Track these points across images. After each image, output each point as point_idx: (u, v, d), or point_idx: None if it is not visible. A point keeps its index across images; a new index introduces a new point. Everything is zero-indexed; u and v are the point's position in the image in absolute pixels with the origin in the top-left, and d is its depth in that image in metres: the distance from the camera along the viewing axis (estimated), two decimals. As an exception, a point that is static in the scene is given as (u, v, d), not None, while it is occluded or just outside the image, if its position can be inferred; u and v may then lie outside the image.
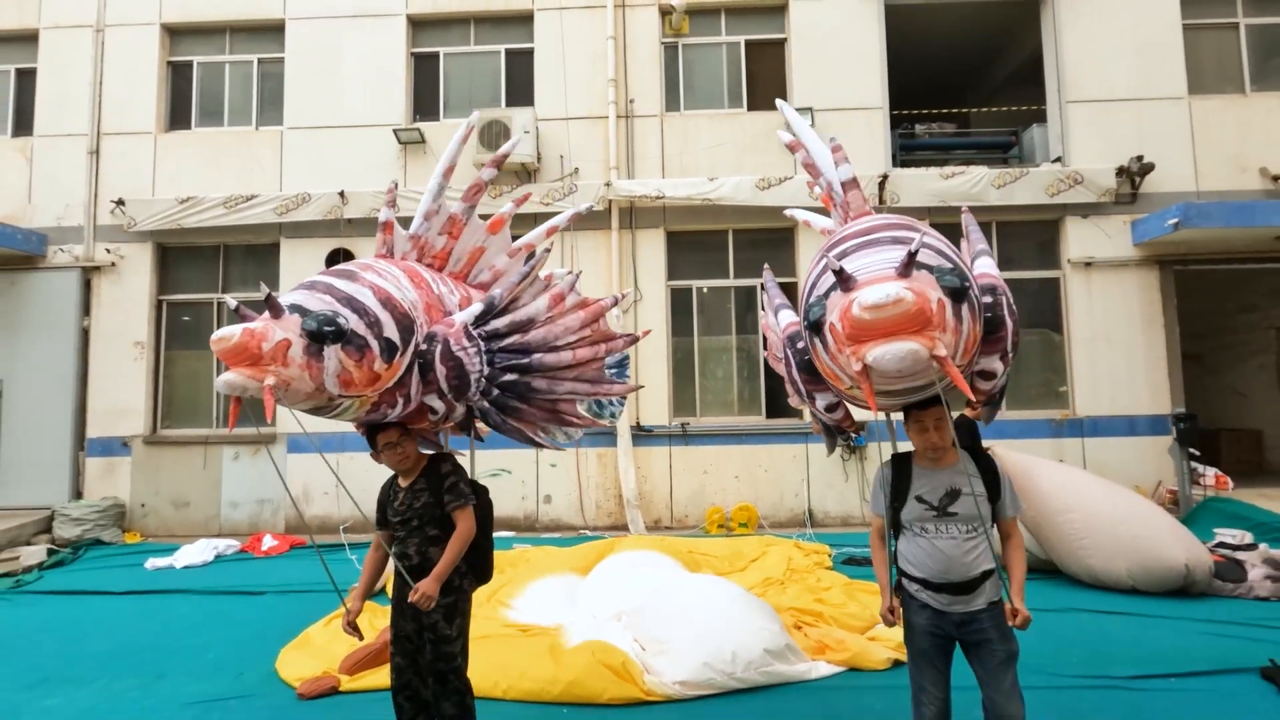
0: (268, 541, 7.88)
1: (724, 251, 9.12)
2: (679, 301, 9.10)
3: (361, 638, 2.99)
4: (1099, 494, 5.86)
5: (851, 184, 2.70)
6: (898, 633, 4.21)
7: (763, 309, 3.44)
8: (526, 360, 2.83)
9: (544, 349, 2.87)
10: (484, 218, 3.32)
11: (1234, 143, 8.92)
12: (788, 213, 4.16)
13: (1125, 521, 5.38)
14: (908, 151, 9.78)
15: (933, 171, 8.85)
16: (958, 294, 2.06)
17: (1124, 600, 5.08)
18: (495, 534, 8.64)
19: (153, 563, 7.11)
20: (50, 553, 7.63)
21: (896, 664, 3.94)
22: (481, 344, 2.72)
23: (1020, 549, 2.56)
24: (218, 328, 9.51)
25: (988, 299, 2.34)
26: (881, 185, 8.65)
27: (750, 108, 9.32)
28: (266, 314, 2.30)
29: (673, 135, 9.20)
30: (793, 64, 9.22)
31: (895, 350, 1.92)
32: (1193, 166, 8.91)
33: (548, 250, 3.18)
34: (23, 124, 9.63)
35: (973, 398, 2.41)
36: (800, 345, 2.61)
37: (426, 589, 2.63)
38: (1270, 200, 8.47)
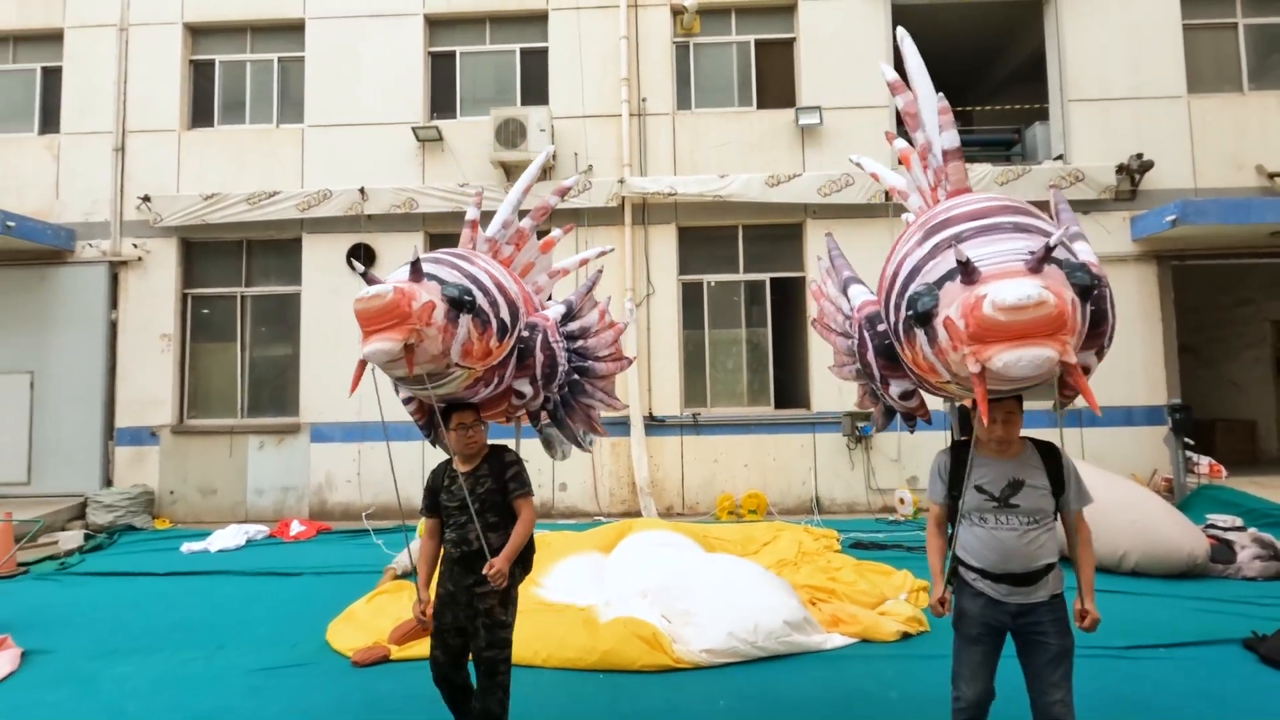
0: (295, 527, 8.17)
1: (734, 247, 9.38)
2: (690, 295, 9.37)
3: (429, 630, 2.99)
4: (1099, 483, 6.14)
5: (955, 153, 2.52)
6: (907, 608, 4.55)
7: (819, 280, 3.40)
8: (587, 364, 3.14)
9: (594, 357, 3.19)
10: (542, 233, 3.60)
11: (1231, 141, 9.15)
12: (853, 158, 3.79)
13: (1125, 509, 5.67)
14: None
15: (938, 169, 9.08)
16: (1085, 292, 1.92)
17: (1120, 580, 5.39)
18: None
19: (188, 547, 7.41)
20: (87, 538, 7.93)
21: (905, 636, 4.24)
22: (564, 341, 3.01)
23: (1088, 545, 2.52)
24: (241, 321, 9.74)
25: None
26: (888, 182, 8.89)
27: (760, 106, 9.55)
28: (409, 277, 2.41)
29: (684, 133, 9.43)
30: (801, 63, 9.44)
31: (1031, 357, 1.76)
32: (1191, 164, 9.14)
33: (600, 271, 3.62)
34: (49, 122, 9.86)
35: (1096, 409, 2.11)
36: (881, 328, 2.42)
37: (501, 565, 2.73)
38: (1265, 198, 8.72)
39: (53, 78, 9.91)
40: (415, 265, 2.41)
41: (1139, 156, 8.97)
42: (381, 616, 4.59)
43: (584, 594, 4.87)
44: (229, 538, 7.64)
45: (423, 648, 4.09)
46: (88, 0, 9.80)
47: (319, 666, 4.02)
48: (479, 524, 2.80)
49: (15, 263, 9.34)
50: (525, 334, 2.80)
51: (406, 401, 3.05)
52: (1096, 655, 3.96)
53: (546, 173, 9.30)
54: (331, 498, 9.00)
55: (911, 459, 8.89)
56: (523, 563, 3.03)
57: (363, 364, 2.40)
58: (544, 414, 3.23)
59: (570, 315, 3.09)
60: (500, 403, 2.92)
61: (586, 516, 8.82)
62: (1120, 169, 9.00)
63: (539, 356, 2.80)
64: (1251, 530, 5.95)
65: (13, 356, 9.32)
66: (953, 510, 2.55)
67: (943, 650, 3.59)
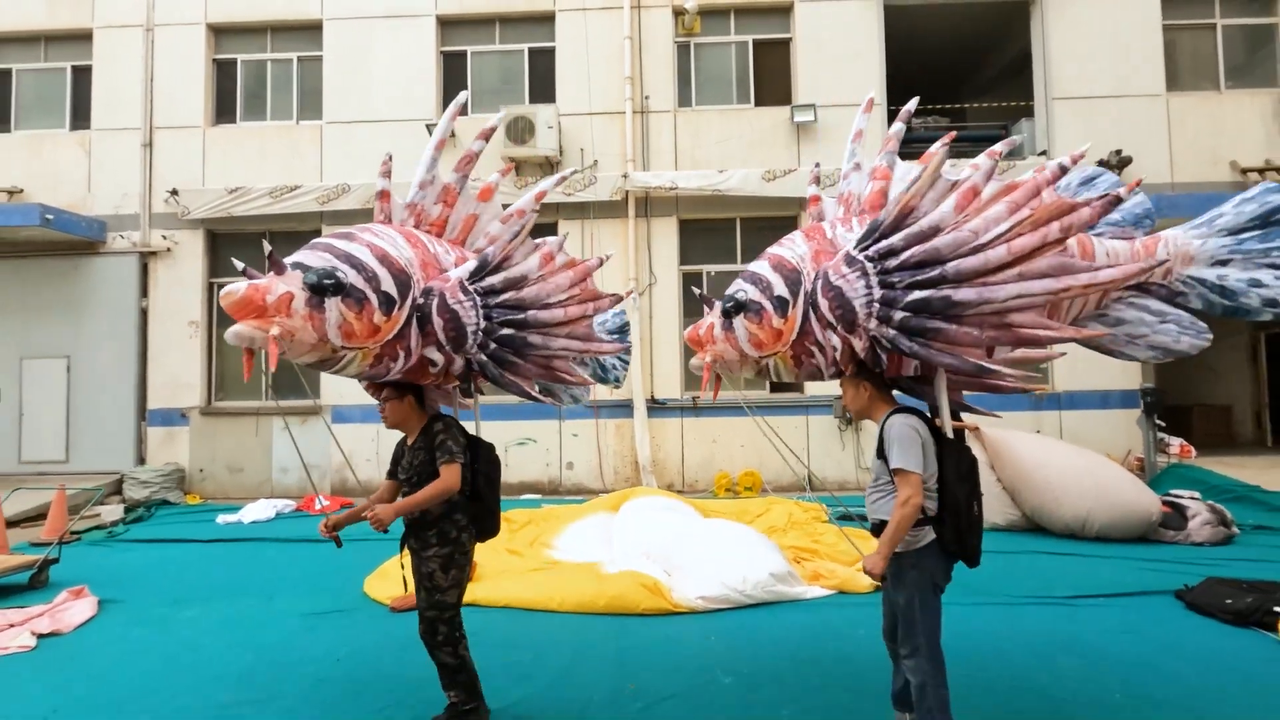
0: (320, 502, 8.74)
1: (732, 238, 9.86)
2: (691, 284, 9.87)
3: (340, 543, 3.14)
4: (1069, 451, 6.81)
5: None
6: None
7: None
8: (522, 316, 2.91)
9: (538, 306, 2.96)
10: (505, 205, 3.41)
11: (1208, 137, 9.60)
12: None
13: (1091, 472, 6.26)
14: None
15: (926, 164, 9.56)
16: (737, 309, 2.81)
17: (1076, 544, 5.93)
18: (523, 496, 9.44)
19: (223, 518, 7.99)
20: (126, 511, 8.50)
21: (878, 589, 4.78)
22: (477, 299, 2.83)
23: (898, 506, 2.50)
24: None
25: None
26: (878, 177, 9.37)
27: (757, 104, 10.00)
28: (271, 271, 2.44)
29: (685, 130, 9.89)
30: (797, 62, 9.88)
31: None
32: (1169, 159, 9.60)
33: (535, 211, 3.19)
34: (80, 118, 10.35)
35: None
36: None
37: (380, 512, 2.77)
38: (1236, 192, 9.15)
39: (82, 76, 10.38)
40: (271, 258, 2.45)
41: (1118, 152, 9.42)
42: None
43: (592, 554, 5.42)
44: (259, 510, 8.22)
45: (452, 596, 4.65)
46: (115, 2, 10.25)
47: (362, 612, 4.59)
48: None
49: (51, 253, 9.87)
50: (421, 300, 2.72)
51: (363, 384, 3.13)
52: (1043, 604, 4.51)
53: (554, 167, 9.79)
54: (352, 476, 9.56)
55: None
56: (479, 525, 3.10)
57: (249, 352, 2.43)
58: (477, 376, 3.14)
59: (486, 269, 2.85)
60: (421, 374, 2.94)
61: (592, 493, 9.37)
62: (1100, 164, 9.44)
63: (437, 321, 2.73)
64: (1207, 502, 6.49)
65: (51, 342, 9.87)
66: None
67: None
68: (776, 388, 9.78)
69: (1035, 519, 6.47)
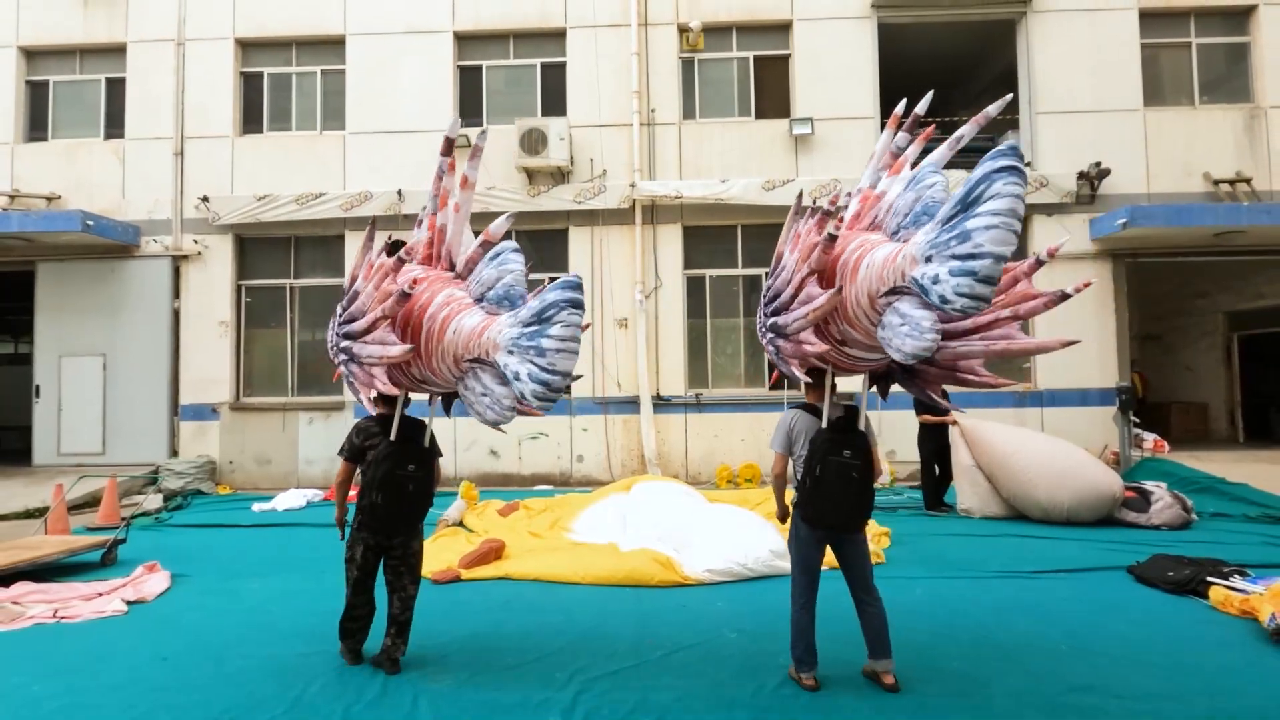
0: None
1: (733, 244, 10.44)
2: (694, 288, 10.45)
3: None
4: (1039, 438, 7.44)
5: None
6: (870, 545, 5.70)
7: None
8: (346, 328, 3.49)
9: (358, 317, 3.44)
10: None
11: (1182, 150, 10.17)
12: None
13: (1062, 457, 6.88)
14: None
15: (917, 175, 10.13)
16: None
17: (1047, 529, 6.53)
18: (537, 487, 10.01)
19: (258, 506, 8.55)
20: (166, 500, 9.08)
21: (865, 566, 5.38)
22: (335, 317, 3.65)
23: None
24: (290, 309, 10.83)
25: None
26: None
27: (758, 116, 10.57)
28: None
29: (689, 141, 10.45)
30: (796, 77, 10.44)
31: None
32: (1145, 171, 10.17)
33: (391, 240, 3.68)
34: (114, 127, 10.88)
35: None
36: None
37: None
38: (1207, 203, 9.76)
39: (116, 87, 10.91)
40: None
41: (1098, 164, 9.99)
42: (446, 552, 5.73)
43: (608, 535, 6.01)
44: (291, 499, 8.78)
45: (486, 570, 5.24)
46: (147, 17, 10.79)
47: (406, 583, 5.17)
48: None
49: (89, 256, 10.42)
50: None
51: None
52: (1008, 577, 5.10)
53: (565, 176, 10.34)
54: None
55: (889, 434, 10.00)
56: (363, 516, 3.62)
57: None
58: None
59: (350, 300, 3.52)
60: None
61: (601, 485, 9.93)
62: (1081, 175, 10.03)
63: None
64: (1172, 491, 7.07)
65: (88, 340, 10.43)
66: None
67: (894, 573, 4.80)
68: (775, 385, 10.36)
69: (1012, 503, 7.05)
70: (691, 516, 5.83)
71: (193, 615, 4.55)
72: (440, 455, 3.83)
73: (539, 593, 4.92)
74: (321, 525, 7.38)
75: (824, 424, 3.46)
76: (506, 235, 3.66)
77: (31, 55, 11.04)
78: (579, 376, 3.42)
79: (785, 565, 5.07)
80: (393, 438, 3.58)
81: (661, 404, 10.18)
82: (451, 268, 3.64)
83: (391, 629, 3.75)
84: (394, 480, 3.52)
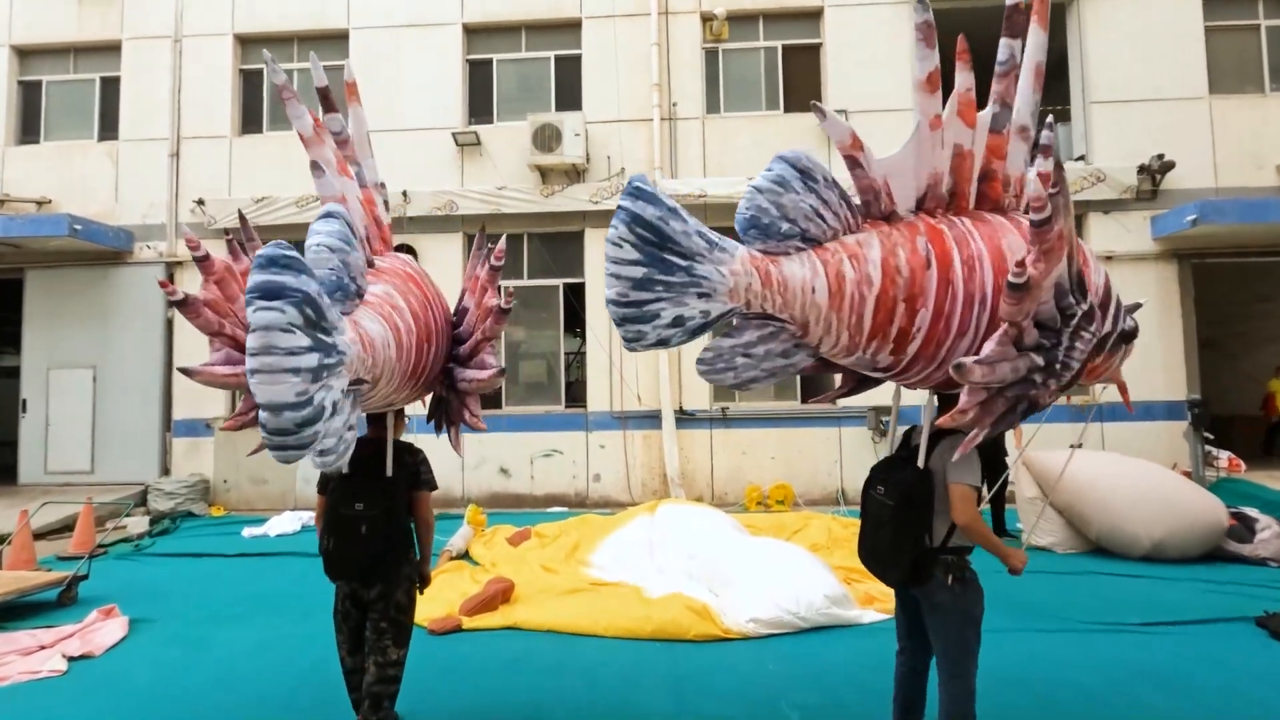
0: (345, 514, 8.61)
1: (762, 246, 9.68)
2: (719, 293, 9.69)
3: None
4: (1119, 462, 6.54)
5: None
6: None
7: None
8: (455, 351, 3.27)
9: (464, 339, 3.22)
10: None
11: (1252, 141, 9.32)
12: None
13: (1151, 482, 5.99)
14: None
15: (961, 170, 9.36)
16: None
17: (1138, 565, 5.67)
18: (550, 509, 9.27)
19: (249, 531, 7.88)
20: (152, 523, 8.43)
21: (935, 613, 4.58)
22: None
23: None
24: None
25: None
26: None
27: (786, 110, 9.85)
28: None
29: (713, 136, 9.75)
30: (828, 68, 9.72)
31: None
32: (1212, 164, 9.33)
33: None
34: (108, 128, 10.37)
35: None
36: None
37: None
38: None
39: (111, 87, 10.42)
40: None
41: (1160, 157, 9.16)
42: (448, 590, 5.00)
43: (634, 568, 5.25)
44: (285, 523, 8.10)
45: (491, 619, 4.49)
46: (143, 13, 10.29)
47: (399, 633, 4.43)
48: None
49: (79, 263, 9.87)
50: None
51: None
52: (1111, 630, 4.27)
53: (581, 175, 9.67)
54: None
55: (934, 452, 9.17)
56: None
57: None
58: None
59: None
60: None
61: (620, 506, 9.19)
62: (1141, 169, 9.20)
63: None
64: (1273, 516, 6.20)
65: (77, 351, 9.86)
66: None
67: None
68: (808, 397, 9.57)
69: (1096, 539, 6.17)
70: (728, 549, 5.06)
71: (144, 675, 3.85)
72: (421, 487, 3.04)
73: (554, 647, 4.17)
74: (313, 555, 6.68)
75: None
76: (493, 238, 3.07)
77: (24, 54, 10.58)
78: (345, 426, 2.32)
79: (845, 614, 4.31)
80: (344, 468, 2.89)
81: (685, 419, 9.42)
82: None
83: (365, 701, 2.99)
84: (340, 521, 2.84)
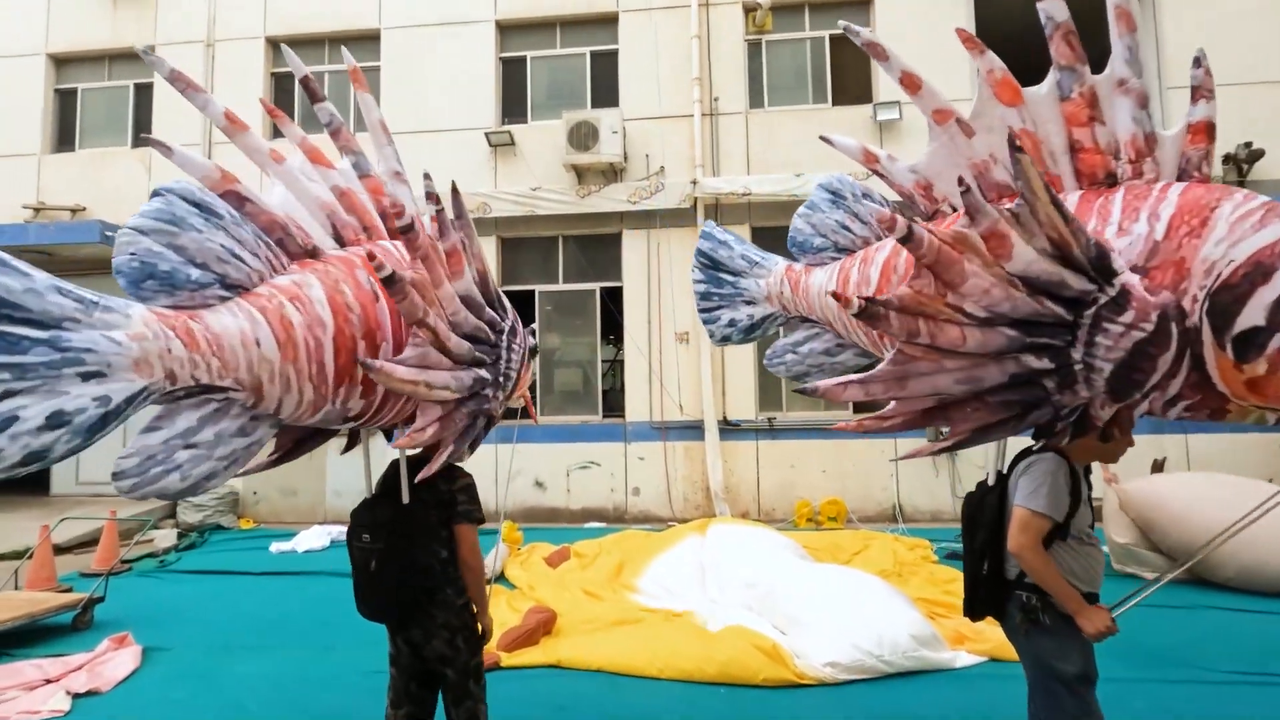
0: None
1: (810, 247, 9.14)
2: (764, 297, 9.18)
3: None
4: (1218, 484, 5.69)
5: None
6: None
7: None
8: None
9: None
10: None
11: (1351, 127, 8.52)
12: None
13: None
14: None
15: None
16: None
17: (1253, 600, 4.97)
18: (587, 524, 8.85)
19: (276, 546, 7.56)
20: (180, 536, 8.17)
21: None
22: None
23: None
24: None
25: None
26: (973, 178, 8.58)
27: (835, 103, 9.33)
28: None
29: (757, 132, 9.26)
30: (879, 57, 9.17)
31: None
32: (1305, 152, 8.54)
33: None
34: (141, 135, 10.27)
35: None
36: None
37: None
38: (1395, 186, 8.07)
39: (144, 93, 10.33)
40: None
41: (1247, 145, 8.42)
42: (483, 621, 4.55)
43: (685, 596, 4.76)
44: (314, 538, 7.77)
45: (533, 654, 4.03)
46: (177, 19, 10.20)
47: (431, 671, 3.99)
48: None
49: (111, 271, 9.72)
50: None
51: None
52: (1260, 682, 3.64)
53: (619, 174, 9.25)
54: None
55: (997, 465, 8.49)
56: None
57: None
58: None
59: None
60: None
61: (660, 521, 8.70)
62: (1227, 159, 8.47)
63: None
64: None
65: (108, 361, 9.70)
66: (1058, 530, 2.28)
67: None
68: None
69: (1205, 573, 5.41)
70: (792, 578, 4.53)
71: (152, 715, 3.46)
72: (458, 519, 2.52)
73: (604, 689, 3.69)
74: (342, 574, 6.31)
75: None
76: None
77: (61, 63, 10.56)
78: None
79: (935, 657, 3.75)
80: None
81: (729, 429, 8.89)
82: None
83: None
84: (354, 553, 2.51)
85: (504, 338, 2.55)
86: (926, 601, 4.55)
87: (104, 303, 1.88)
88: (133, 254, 2.00)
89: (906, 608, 4.05)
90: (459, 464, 2.62)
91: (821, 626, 3.87)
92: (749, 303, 3.51)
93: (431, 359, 2.23)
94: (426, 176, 2.44)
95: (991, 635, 4.07)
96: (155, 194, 2.05)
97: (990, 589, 2.40)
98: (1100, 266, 1.89)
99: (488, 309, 2.49)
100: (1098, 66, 2.22)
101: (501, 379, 2.54)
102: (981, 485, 2.59)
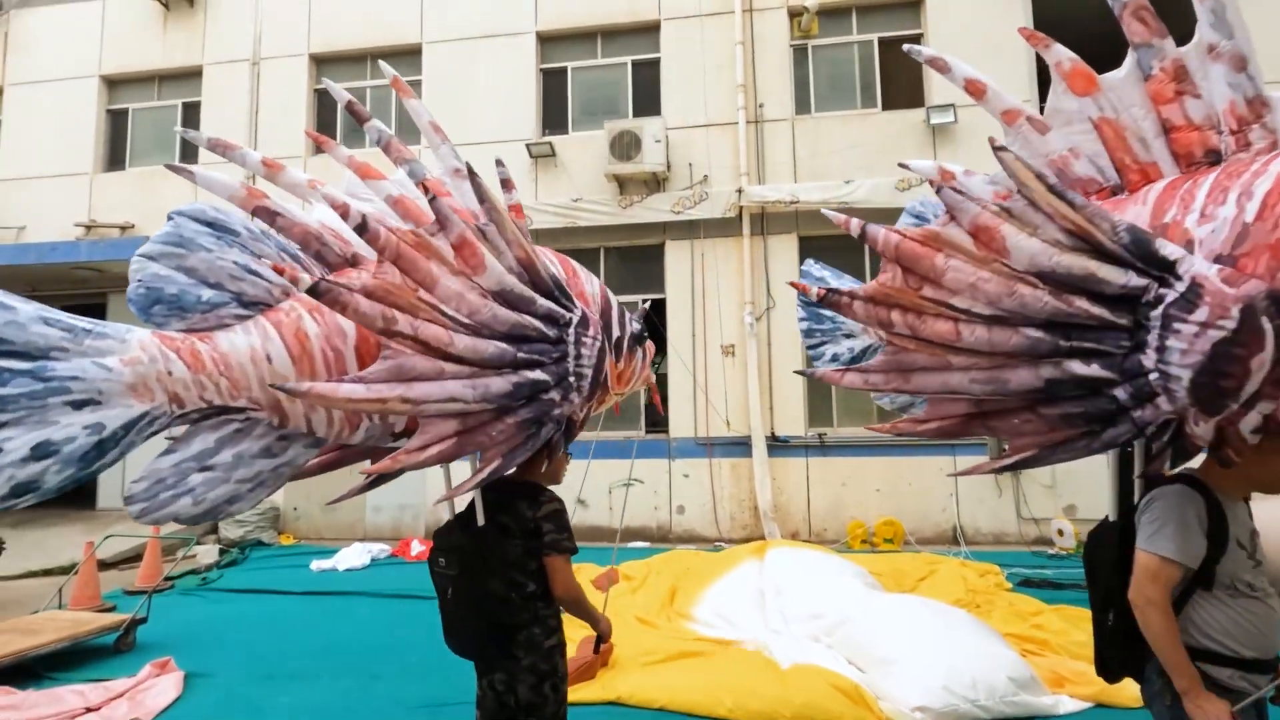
0: (415, 547, 8.11)
1: (861, 256, 8.82)
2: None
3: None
4: None
5: None
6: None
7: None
8: None
9: None
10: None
11: None
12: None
13: None
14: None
15: (1091, 165, 8.30)
16: None
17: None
18: (629, 544, 8.56)
19: (317, 565, 7.44)
20: (221, 552, 8.11)
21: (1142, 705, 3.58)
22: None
23: None
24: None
25: None
26: (1034, 182, 8.19)
27: (885, 107, 9.02)
28: None
29: (804, 138, 8.99)
30: (931, 59, 8.85)
31: None
32: (1400, 149, 7.96)
33: None
34: (188, 153, 10.43)
35: None
36: None
37: None
38: None
39: (192, 112, 10.49)
40: None
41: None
42: (534, 650, 4.30)
43: (746, 626, 4.44)
44: (354, 557, 7.65)
45: (591, 690, 3.77)
46: (225, 39, 10.36)
47: (483, 706, 3.75)
48: None
49: (158, 287, 9.84)
50: None
51: None
52: None
53: (661, 184, 9.06)
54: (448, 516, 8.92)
55: (1067, 485, 8.02)
56: None
57: None
58: None
59: None
60: None
61: (706, 541, 8.38)
62: (1312, 157, 7.92)
63: None
64: None
65: (154, 376, 9.79)
66: (1199, 579, 1.89)
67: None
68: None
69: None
70: (864, 609, 4.20)
71: (194, 752, 3.28)
72: (546, 550, 2.27)
73: (670, 732, 3.40)
74: (383, 595, 6.15)
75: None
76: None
77: (113, 84, 10.80)
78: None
79: (1037, 702, 3.38)
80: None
81: (777, 446, 8.56)
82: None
83: None
84: (433, 579, 2.34)
85: (570, 331, 2.23)
86: (1015, 637, 4.16)
87: (97, 329, 1.84)
88: (139, 281, 1.97)
89: (999, 645, 3.68)
90: (550, 487, 2.41)
91: (906, 665, 3.53)
92: (848, 335, 3.72)
93: (419, 369, 1.95)
94: (470, 170, 2.26)
95: (1094, 677, 3.68)
96: (168, 218, 2.05)
97: (1120, 646, 2.05)
98: (1145, 255, 1.65)
99: (541, 300, 2.16)
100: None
101: (572, 378, 2.22)
102: (1104, 521, 2.25)
